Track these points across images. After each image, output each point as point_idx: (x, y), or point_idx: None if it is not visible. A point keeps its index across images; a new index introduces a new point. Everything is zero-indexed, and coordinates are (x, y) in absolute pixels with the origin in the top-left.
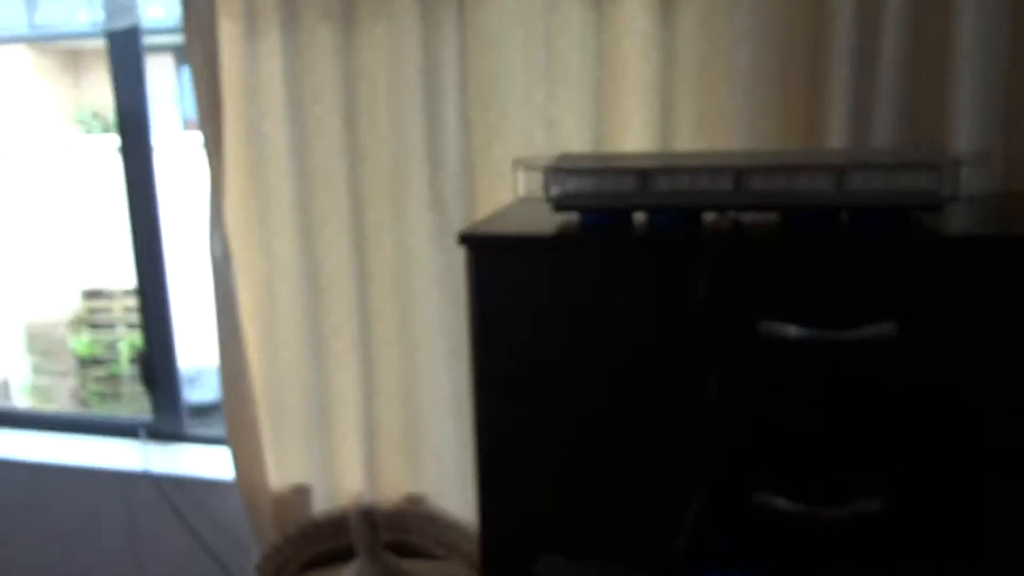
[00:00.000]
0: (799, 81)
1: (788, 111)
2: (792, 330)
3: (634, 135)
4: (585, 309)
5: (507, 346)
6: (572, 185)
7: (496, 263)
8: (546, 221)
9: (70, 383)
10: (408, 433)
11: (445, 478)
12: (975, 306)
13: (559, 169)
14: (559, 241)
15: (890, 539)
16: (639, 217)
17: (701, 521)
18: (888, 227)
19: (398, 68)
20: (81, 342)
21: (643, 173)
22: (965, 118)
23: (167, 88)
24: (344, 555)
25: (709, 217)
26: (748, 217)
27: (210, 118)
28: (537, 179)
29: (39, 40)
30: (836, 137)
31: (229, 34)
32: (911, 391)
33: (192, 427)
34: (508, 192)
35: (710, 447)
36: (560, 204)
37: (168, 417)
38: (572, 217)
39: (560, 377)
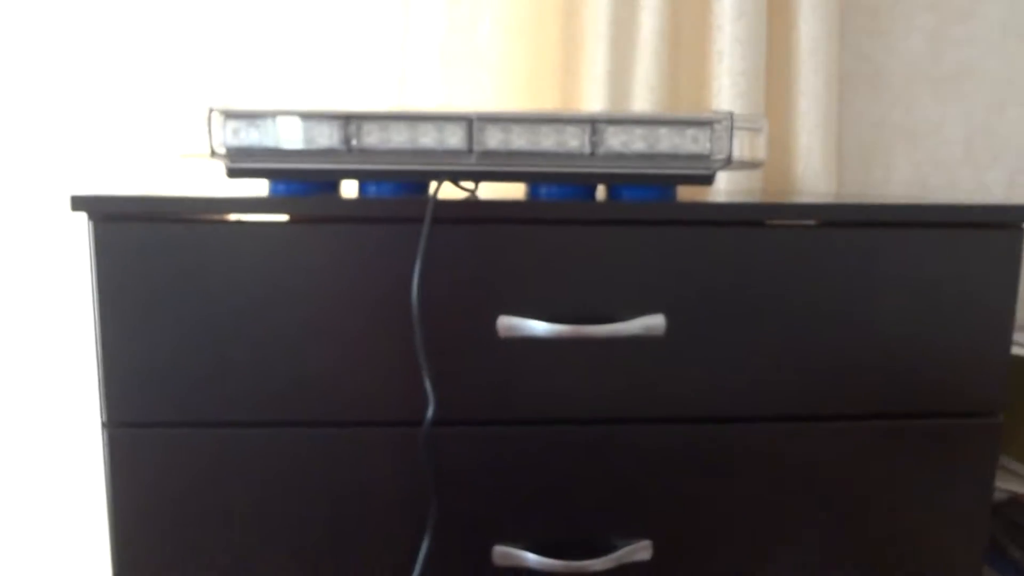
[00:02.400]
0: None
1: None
2: (537, 328)
3: None
4: (259, 303)
5: (141, 364)
6: (250, 139)
7: (129, 240)
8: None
9: None
10: None
11: None
12: (752, 297)
13: (230, 115)
14: (213, 205)
15: None
16: (348, 184)
17: None
18: (654, 200)
19: None
20: None
21: (346, 122)
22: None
23: None
24: None
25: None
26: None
27: None
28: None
29: None
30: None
31: None
32: (681, 396)
33: None
34: None
35: (433, 487)
36: (234, 167)
37: None
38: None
39: (221, 411)
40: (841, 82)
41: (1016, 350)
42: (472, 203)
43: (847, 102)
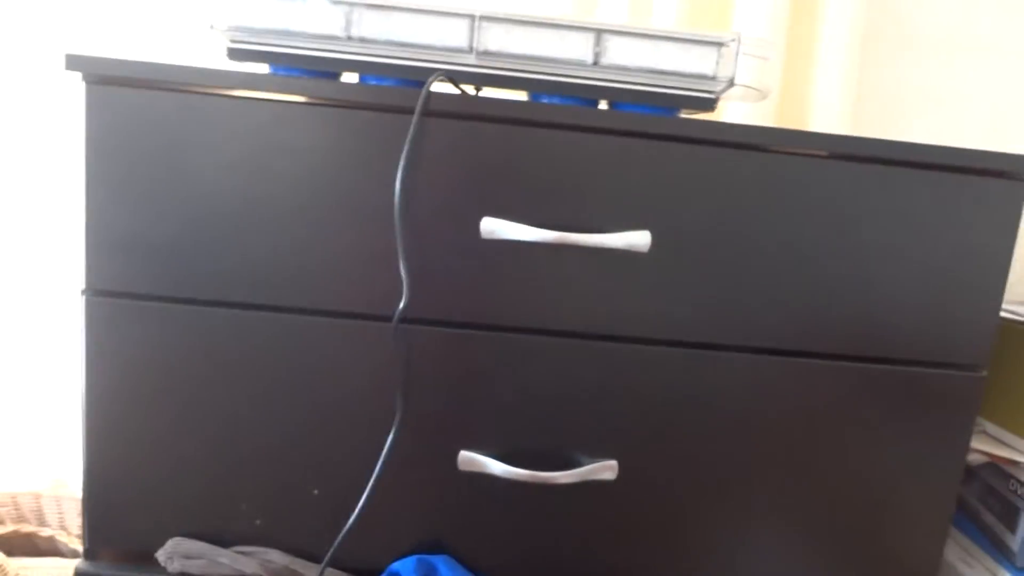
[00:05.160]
0: None
1: None
2: (521, 231)
3: None
4: (245, 183)
5: (124, 234)
6: (251, 19)
7: (122, 105)
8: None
9: None
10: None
11: None
12: (737, 222)
13: None
14: (208, 77)
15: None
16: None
17: (379, 496)
18: (656, 116)
19: None
20: None
21: (349, 8)
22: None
23: None
24: None
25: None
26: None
27: None
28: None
29: None
30: None
31: None
32: (661, 320)
33: None
34: None
35: (400, 383)
36: (234, 47)
37: None
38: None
39: (199, 288)
40: (867, 39)
41: (1008, 315)
42: (468, 99)
43: (871, 60)
